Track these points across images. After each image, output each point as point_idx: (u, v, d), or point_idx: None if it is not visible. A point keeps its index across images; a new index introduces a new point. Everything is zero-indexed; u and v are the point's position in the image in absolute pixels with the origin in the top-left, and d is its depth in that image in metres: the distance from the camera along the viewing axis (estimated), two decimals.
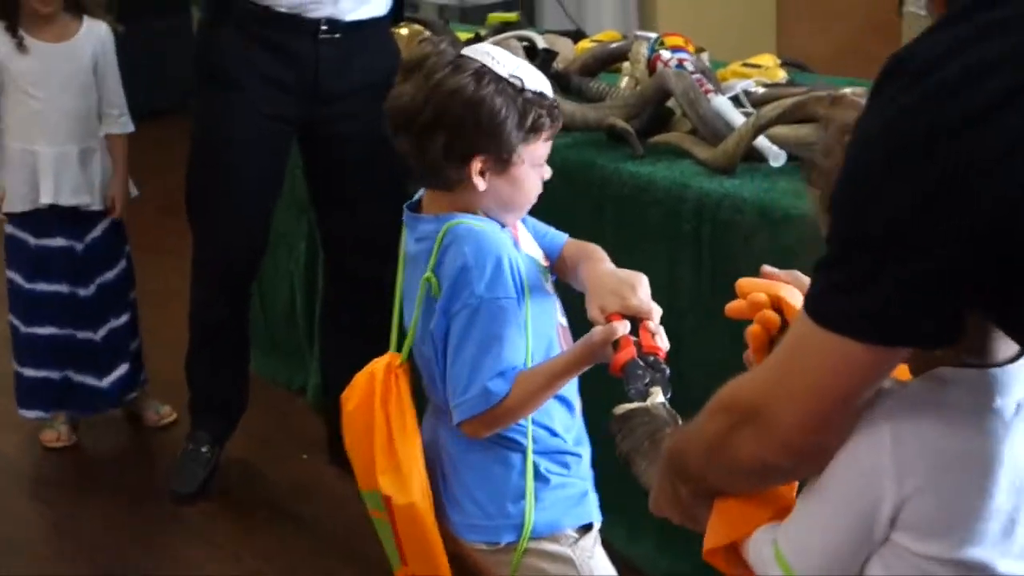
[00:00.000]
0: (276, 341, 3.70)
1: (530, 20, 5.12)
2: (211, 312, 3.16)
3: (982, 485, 1.13)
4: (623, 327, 1.74)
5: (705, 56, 2.94)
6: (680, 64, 2.75)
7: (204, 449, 3.21)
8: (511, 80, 1.83)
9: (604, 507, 2.01)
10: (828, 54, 3.60)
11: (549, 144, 1.90)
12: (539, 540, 1.92)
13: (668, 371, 1.68)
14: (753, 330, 1.39)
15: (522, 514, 1.91)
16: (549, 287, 1.93)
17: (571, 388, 1.95)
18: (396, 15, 3.16)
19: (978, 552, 1.14)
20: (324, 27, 2.95)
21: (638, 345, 1.71)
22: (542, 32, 3.49)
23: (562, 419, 1.94)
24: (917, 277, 1.03)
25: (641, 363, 1.67)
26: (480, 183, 1.84)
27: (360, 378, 1.98)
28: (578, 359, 1.81)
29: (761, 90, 2.78)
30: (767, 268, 1.45)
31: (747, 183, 2.39)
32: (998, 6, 1.02)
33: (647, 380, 1.64)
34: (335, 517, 3.07)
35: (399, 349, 1.99)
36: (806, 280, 1.39)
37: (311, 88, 2.97)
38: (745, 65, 2.97)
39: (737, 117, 2.54)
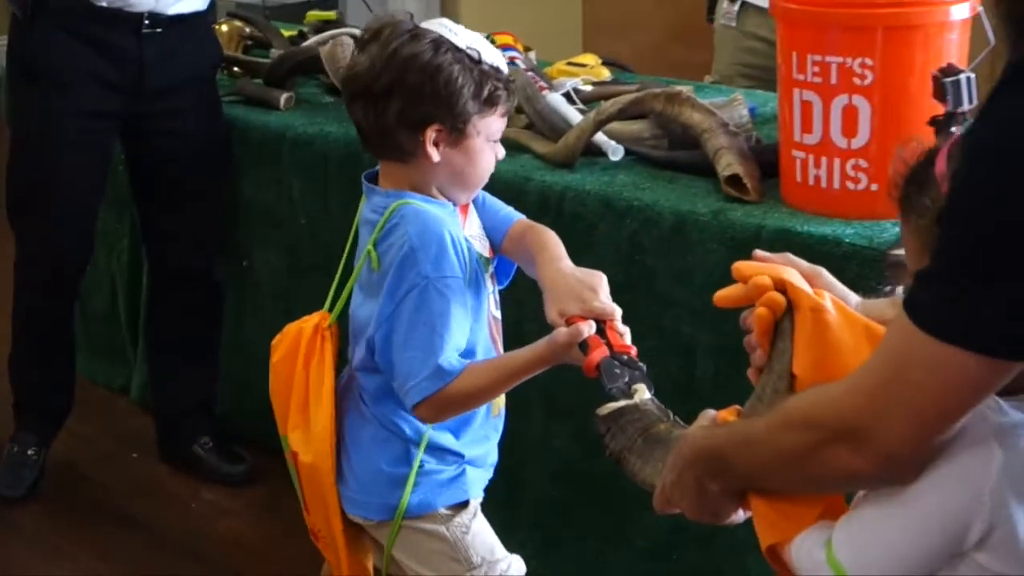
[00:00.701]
0: (95, 340, 3.62)
1: None
2: (38, 313, 3.09)
3: None
4: (588, 327, 1.72)
5: (533, 55, 3.04)
6: (512, 62, 2.84)
7: (31, 452, 3.13)
8: (468, 51, 1.85)
9: None
10: (631, 59, 3.74)
11: (504, 121, 1.92)
12: (412, 519, 1.97)
13: (645, 368, 1.66)
14: (760, 313, 1.30)
15: (396, 497, 1.95)
16: (487, 279, 1.94)
17: None
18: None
19: None
20: (147, 21, 2.91)
21: (608, 345, 1.69)
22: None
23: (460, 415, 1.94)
24: None
25: (617, 362, 1.66)
26: (434, 154, 1.85)
27: (290, 330, 2.00)
28: (538, 358, 1.79)
29: (589, 88, 2.90)
30: (760, 253, 1.39)
31: (588, 176, 2.48)
32: None
33: (627, 378, 1.62)
34: (171, 515, 3.05)
35: (332, 309, 2.00)
36: (800, 262, 1.37)
37: (135, 84, 2.93)
38: (570, 64, 3.09)
39: (573, 113, 2.64)
